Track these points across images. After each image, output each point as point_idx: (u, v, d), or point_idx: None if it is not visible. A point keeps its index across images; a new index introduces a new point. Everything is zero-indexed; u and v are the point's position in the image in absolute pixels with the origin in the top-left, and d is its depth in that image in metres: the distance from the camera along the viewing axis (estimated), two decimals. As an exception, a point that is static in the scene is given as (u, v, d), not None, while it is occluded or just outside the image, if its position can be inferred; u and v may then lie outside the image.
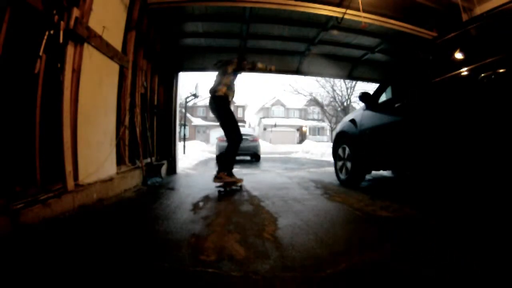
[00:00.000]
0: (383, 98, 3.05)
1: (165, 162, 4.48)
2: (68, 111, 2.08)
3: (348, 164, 3.34)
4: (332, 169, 3.95)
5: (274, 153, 15.45)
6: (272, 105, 33.83)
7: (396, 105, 2.58)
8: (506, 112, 1.55)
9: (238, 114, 33.02)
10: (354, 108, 19.04)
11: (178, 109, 5.60)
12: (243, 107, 33.81)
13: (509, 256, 1.17)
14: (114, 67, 2.85)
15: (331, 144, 4.02)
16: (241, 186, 3.24)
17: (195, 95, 13.71)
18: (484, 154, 1.73)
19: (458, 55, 2.05)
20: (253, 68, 3.20)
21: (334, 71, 6.11)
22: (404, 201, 2.32)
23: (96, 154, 2.49)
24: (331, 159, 3.82)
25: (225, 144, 8.28)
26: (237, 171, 5.76)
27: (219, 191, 2.92)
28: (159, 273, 1.08)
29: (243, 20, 4.30)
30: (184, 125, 14.15)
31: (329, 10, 3.83)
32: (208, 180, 4.12)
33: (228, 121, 3.11)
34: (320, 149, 12.29)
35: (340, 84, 21.52)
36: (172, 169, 4.95)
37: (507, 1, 1.73)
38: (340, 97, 22.04)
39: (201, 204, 2.37)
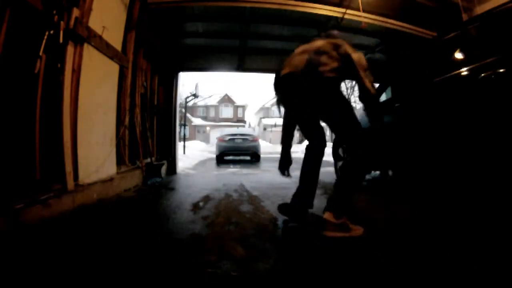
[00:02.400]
0: (383, 98, 3.05)
1: (165, 162, 4.48)
2: (68, 111, 2.08)
3: (348, 164, 3.33)
4: (332, 169, 3.95)
5: (274, 153, 15.42)
6: (272, 105, 33.77)
7: (396, 105, 2.58)
8: (506, 112, 1.55)
9: (238, 114, 33.08)
10: (354, 108, 19.00)
11: (178, 109, 5.60)
12: (243, 107, 33.82)
13: (505, 256, 1.17)
14: (114, 67, 2.85)
15: (331, 144, 4.01)
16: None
17: (195, 95, 13.72)
18: (484, 154, 1.73)
19: (458, 55, 2.05)
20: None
21: (334, 71, 6.10)
22: (404, 201, 2.32)
23: (96, 154, 2.49)
24: (331, 159, 3.81)
25: (225, 144, 8.36)
26: (237, 171, 5.77)
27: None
28: (159, 273, 1.08)
29: (243, 20, 4.30)
30: (184, 125, 14.15)
31: (329, 10, 3.83)
32: (208, 180, 4.13)
33: (352, 120, 1.59)
34: (320, 149, 12.25)
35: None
36: (172, 169, 4.95)
37: (507, 1, 1.73)
38: (340, 97, 21.98)
39: (201, 204, 2.37)
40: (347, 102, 1.61)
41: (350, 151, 1.60)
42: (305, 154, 1.74)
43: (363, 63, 1.58)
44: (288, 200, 1.79)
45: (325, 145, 1.73)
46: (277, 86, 1.70)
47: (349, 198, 1.52)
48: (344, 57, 1.56)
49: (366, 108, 1.64)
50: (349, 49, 1.59)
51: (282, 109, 1.82)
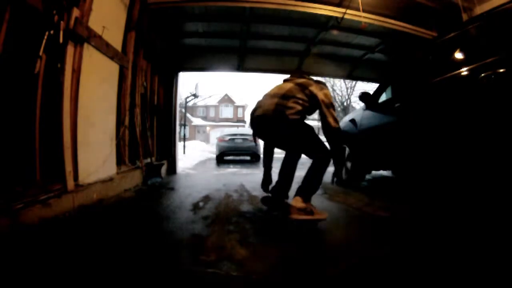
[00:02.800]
0: (383, 98, 3.05)
1: (165, 162, 4.48)
2: (68, 111, 2.08)
3: (348, 164, 3.34)
4: (332, 169, 3.96)
5: (274, 153, 15.43)
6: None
7: (396, 105, 2.58)
8: (506, 112, 1.55)
9: (238, 114, 33.08)
10: (354, 108, 19.05)
11: (178, 109, 5.60)
12: (243, 107, 33.80)
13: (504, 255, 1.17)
14: (114, 67, 2.85)
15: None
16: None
17: (195, 95, 13.72)
18: (484, 154, 1.72)
19: (458, 55, 2.04)
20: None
21: (334, 71, 6.11)
22: (404, 202, 2.32)
23: (96, 154, 2.49)
24: (331, 159, 3.81)
25: (225, 144, 8.37)
26: (237, 171, 5.77)
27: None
28: (159, 273, 1.08)
29: (243, 20, 4.30)
30: (184, 125, 14.16)
31: (329, 10, 3.83)
32: (208, 180, 4.13)
33: (312, 141, 1.88)
34: (320, 149, 12.25)
35: (340, 84, 21.54)
36: (172, 169, 4.95)
37: (507, 1, 1.73)
38: (340, 97, 22.05)
39: (201, 204, 2.37)
40: (307, 131, 1.87)
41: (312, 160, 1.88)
42: (284, 160, 2.10)
43: (328, 101, 1.87)
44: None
45: (298, 156, 2.08)
46: (253, 123, 2.06)
47: (313, 188, 1.81)
48: (311, 97, 1.88)
49: (328, 139, 1.92)
50: (315, 89, 1.89)
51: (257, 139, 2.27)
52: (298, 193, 1.76)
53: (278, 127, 1.86)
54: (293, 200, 1.73)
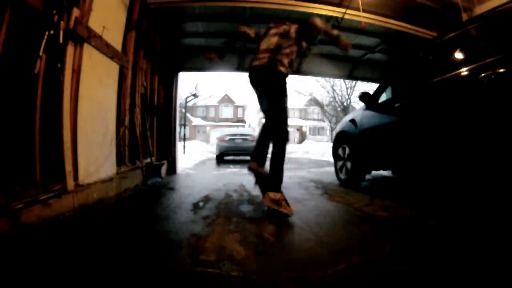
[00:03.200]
0: (383, 98, 3.05)
1: (165, 162, 4.48)
2: (68, 111, 2.08)
3: (348, 164, 3.34)
4: (332, 169, 3.95)
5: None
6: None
7: (396, 105, 2.58)
8: (506, 112, 1.55)
9: (238, 114, 33.08)
10: (354, 108, 19.06)
11: (178, 109, 5.59)
12: (243, 107, 33.81)
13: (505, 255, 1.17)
14: (114, 67, 2.85)
15: (331, 144, 4.01)
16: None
17: (195, 95, 13.74)
18: (485, 154, 1.73)
19: (458, 55, 2.05)
20: (332, 37, 2.28)
21: (334, 71, 6.10)
22: (404, 202, 2.32)
23: (96, 154, 2.49)
24: (331, 159, 3.82)
25: (225, 144, 8.37)
26: (238, 171, 5.78)
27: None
28: (159, 273, 1.08)
29: (243, 20, 4.29)
30: (184, 125, 14.17)
31: (329, 10, 3.84)
32: (208, 180, 4.14)
33: (282, 107, 2.14)
34: (320, 149, 12.30)
35: (340, 84, 21.58)
36: (172, 169, 4.95)
37: (507, 1, 1.73)
38: (340, 97, 22.08)
39: (201, 204, 2.37)
40: (286, 95, 2.18)
41: (269, 127, 2.19)
42: (260, 129, 2.31)
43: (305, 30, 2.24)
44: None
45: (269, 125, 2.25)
46: (249, 73, 2.31)
47: (278, 179, 2.04)
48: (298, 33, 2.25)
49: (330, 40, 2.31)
50: (294, 28, 2.24)
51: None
52: (269, 189, 2.02)
53: (269, 78, 2.15)
54: (268, 193, 2.01)
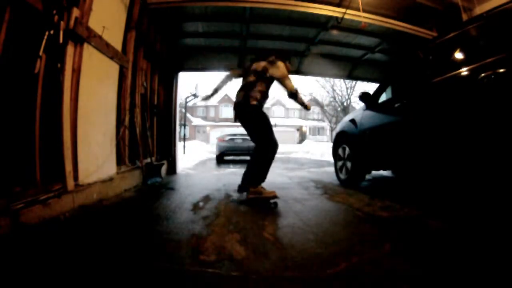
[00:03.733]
0: (383, 98, 3.05)
1: (165, 162, 4.48)
2: (68, 111, 2.08)
3: (348, 164, 3.34)
4: (332, 169, 3.95)
5: (274, 153, 15.41)
6: (272, 105, 33.80)
7: (396, 105, 2.58)
8: (506, 112, 1.55)
9: (238, 114, 33.00)
10: (354, 108, 19.07)
11: (178, 109, 5.59)
12: (243, 107, 33.76)
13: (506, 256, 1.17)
14: (114, 67, 2.85)
15: (331, 144, 4.01)
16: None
17: (195, 95, 13.73)
18: (485, 155, 1.72)
19: (458, 55, 2.05)
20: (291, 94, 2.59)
21: (334, 71, 6.11)
22: (404, 202, 2.31)
23: (96, 154, 2.49)
24: (331, 159, 3.82)
25: (225, 144, 8.38)
26: (238, 171, 5.78)
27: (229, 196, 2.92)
28: (159, 273, 1.08)
29: (243, 20, 4.30)
30: (184, 125, 14.17)
31: (329, 10, 3.84)
32: (208, 180, 4.13)
33: (265, 128, 2.51)
34: (320, 149, 12.31)
35: (340, 84, 21.59)
36: (172, 169, 4.95)
37: (507, 1, 1.73)
38: (340, 97, 22.08)
39: (201, 204, 2.37)
40: (264, 119, 2.53)
41: (256, 148, 2.53)
42: (251, 155, 2.63)
43: (281, 74, 2.50)
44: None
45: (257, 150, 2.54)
46: (233, 110, 2.68)
47: (256, 175, 2.45)
48: (270, 77, 2.50)
49: (291, 98, 2.63)
50: (271, 70, 2.48)
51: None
52: (250, 185, 2.43)
53: (244, 112, 2.52)
54: (251, 187, 2.41)
